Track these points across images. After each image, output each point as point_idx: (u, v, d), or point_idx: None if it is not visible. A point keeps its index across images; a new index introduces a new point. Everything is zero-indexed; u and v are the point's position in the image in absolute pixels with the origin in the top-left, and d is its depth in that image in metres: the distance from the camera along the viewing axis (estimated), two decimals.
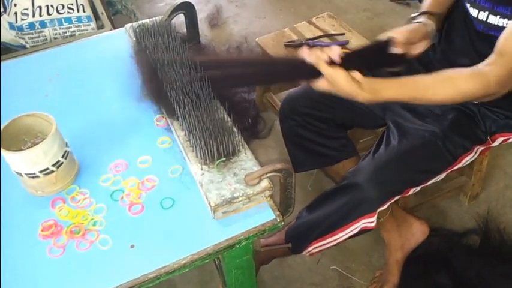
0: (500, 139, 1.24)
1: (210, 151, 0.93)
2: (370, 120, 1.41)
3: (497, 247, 1.54)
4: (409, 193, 1.21)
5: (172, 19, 1.30)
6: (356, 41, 1.83)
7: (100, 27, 1.88)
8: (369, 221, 1.16)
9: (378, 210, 1.16)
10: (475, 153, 1.25)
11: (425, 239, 1.46)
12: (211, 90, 1.04)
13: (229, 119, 1.01)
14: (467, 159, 1.23)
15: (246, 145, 0.97)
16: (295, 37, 1.88)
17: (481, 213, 1.66)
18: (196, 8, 1.33)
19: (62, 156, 0.95)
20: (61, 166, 0.95)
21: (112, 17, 2.41)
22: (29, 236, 0.90)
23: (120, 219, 0.92)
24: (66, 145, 0.97)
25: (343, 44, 1.82)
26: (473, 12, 1.12)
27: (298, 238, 1.29)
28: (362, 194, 1.13)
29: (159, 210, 0.93)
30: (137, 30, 1.23)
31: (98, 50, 1.34)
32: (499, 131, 1.22)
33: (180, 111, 1.00)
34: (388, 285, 1.46)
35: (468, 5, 1.14)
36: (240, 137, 0.97)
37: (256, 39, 1.92)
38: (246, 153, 0.96)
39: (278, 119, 1.49)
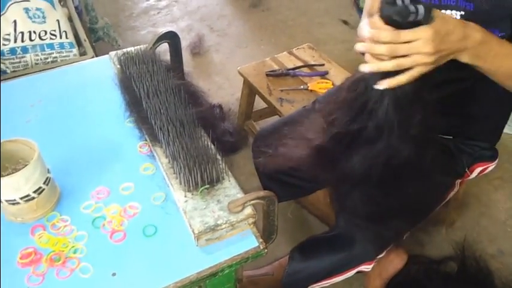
0: (478, 169, 1.27)
1: (194, 178, 0.93)
2: None
3: (474, 274, 1.56)
4: (405, 237, 1.23)
5: (156, 48, 1.31)
6: (335, 72, 1.88)
7: (82, 53, 1.88)
8: (366, 267, 1.18)
9: (376, 259, 1.17)
10: (457, 187, 1.28)
11: (404, 266, 1.48)
12: (194, 118, 1.06)
13: (213, 146, 1.02)
14: (451, 195, 1.26)
15: (229, 172, 0.98)
16: (276, 67, 1.93)
17: (457, 240, 1.69)
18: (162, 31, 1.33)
19: (44, 183, 0.94)
20: (42, 192, 0.94)
21: (94, 44, 2.43)
22: (7, 264, 0.88)
23: (101, 247, 0.91)
24: (48, 171, 0.96)
25: (322, 75, 1.87)
26: None
27: (295, 286, 1.29)
28: (361, 249, 1.15)
29: (141, 238, 0.93)
30: (122, 58, 1.24)
31: (81, 76, 1.34)
32: (475, 161, 1.26)
33: (164, 138, 1.01)
34: None
35: None
36: (223, 165, 0.98)
37: (238, 68, 1.96)
38: (229, 181, 0.97)
39: None
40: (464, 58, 0.88)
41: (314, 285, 1.28)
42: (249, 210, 0.91)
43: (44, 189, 0.94)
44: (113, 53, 1.33)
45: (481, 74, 0.95)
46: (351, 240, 1.16)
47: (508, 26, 1.00)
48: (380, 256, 1.20)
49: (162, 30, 1.30)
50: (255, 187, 1.88)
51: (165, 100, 1.09)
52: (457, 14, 1.04)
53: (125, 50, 1.29)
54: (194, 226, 0.88)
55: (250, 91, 1.97)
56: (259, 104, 2.07)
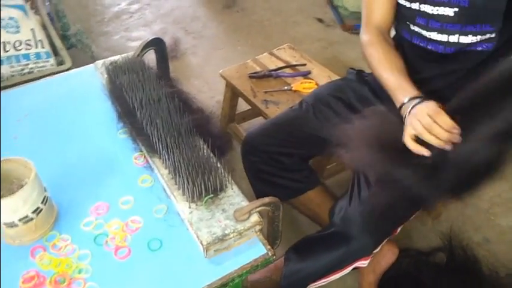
0: None
1: (198, 188, 0.92)
2: (331, 150, 1.44)
3: (462, 263, 1.60)
4: (398, 231, 1.25)
5: (143, 55, 1.29)
6: (317, 71, 1.89)
7: (60, 63, 1.83)
8: (363, 263, 1.19)
9: (372, 253, 1.19)
10: None
11: (395, 260, 1.51)
12: (191, 126, 1.05)
13: (212, 154, 1.02)
14: None
15: (232, 180, 0.98)
16: (258, 68, 1.92)
17: (444, 231, 1.72)
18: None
19: (42, 202, 0.91)
20: (41, 212, 0.91)
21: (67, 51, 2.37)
22: None
23: (106, 265, 0.89)
24: (45, 190, 0.94)
25: (305, 74, 1.88)
26: (441, 37, 1.13)
27: (292, 286, 1.29)
28: (358, 244, 1.16)
29: (146, 253, 0.91)
30: (109, 67, 1.22)
31: (66, 87, 1.31)
32: None
33: (162, 149, 0.99)
34: None
35: (427, 34, 1.16)
36: (225, 173, 0.97)
37: (220, 72, 1.94)
38: (233, 189, 0.97)
39: None
40: None
41: (312, 284, 1.28)
42: (255, 218, 0.91)
43: (42, 209, 0.92)
44: (99, 63, 1.30)
45: None
46: (347, 236, 1.17)
47: (500, 20, 1.02)
48: (376, 250, 1.21)
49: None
50: (244, 191, 1.88)
51: (160, 109, 1.08)
52: (450, 11, 1.06)
53: (111, 58, 1.27)
54: (202, 237, 0.88)
55: (233, 94, 1.96)
56: (241, 106, 2.06)
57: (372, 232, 1.17)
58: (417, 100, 1.04)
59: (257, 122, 2.09)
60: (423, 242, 1.71)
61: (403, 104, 1.06)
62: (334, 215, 1.24)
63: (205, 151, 1.01)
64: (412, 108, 1.02)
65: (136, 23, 3.00)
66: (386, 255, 1.49)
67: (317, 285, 1.29)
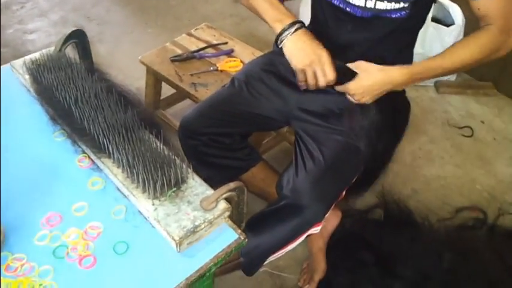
0: None
1: (159, 183, 0.89)
2: (270, 125, 1.46)
3: (397, 216, 1.73)
4: (343, 194, 1.30)
5: (65, 49, 1.20)
6: (240, 49, 1.88)
7: None
8: (316, 229, 1.23)
9: (324, 218, 1.23)
10: None
11: (339, 222, 1.58)
12: (136, 120, 1.00)
13: (164, 147, 0.98)
14: None
15: (191, 170, 0.95)
16: (179, 51, 1.87)
17: (377, 189, 1.84)
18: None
19: None
20: None
21: None
22: None
23: (72, 277, 0.83)
24: None
25: (228, 53, 1.86)
26: (359, 2, 1.17)
27: (254, 263, 1.31)
28: (310, 213, 1.18)
29: (114, 258, 0.87)
30: (31, 66, 1.11)
31: None
32: None
33: (113, 147, 0.94)
34: (317, 273, 1.54)
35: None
36: (183, 164, 0.95)
37: (139, 58, 1.86)
38: (194, 179, 0.94)
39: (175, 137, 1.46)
40: (399, 88, 1.22)
41: (269, 258, 1.31)
42: (223, 205, 0.90)
43: None
44: (16, 62, 1.18)
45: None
46: (299, 206, 1.20)
47: None
48: (327, 215, 1.26)
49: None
50: None
51: (98, 105, 1.01)
52: None
53: (31, 56, 1.16)
54: (173, 233, 0.85)
55: (156, 80, 1.89)
56: (164, 91, 2.00)
57: (322, 198, 1.21)
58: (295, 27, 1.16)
59: (184, 106, 2.05)
60: (361, 202, 1.81)
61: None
62: (282, 188, 1.26)
63: (158, 144, 0.97)
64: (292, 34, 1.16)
65: (30, 14, 2.75)
66: (331, 219, 1.55)
67: (274, 258, 1.32)
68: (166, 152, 0.96)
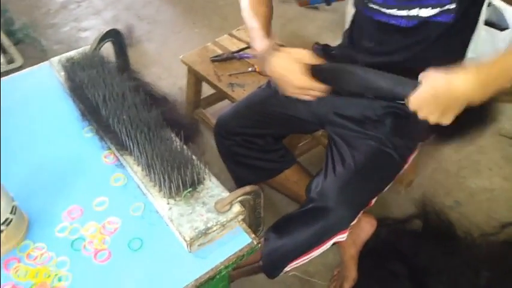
0: None
1: (175, 183, 0.90)
2: (304, 128, 1.44)
3: (437, 228, 1.65)
4: (373, 202, 1.25)
5: (100, 48, 1.23)
6: None
7: (10, 61, 1.73)
8: (342, 237, 1.19)
9: (350, 226, 1.19)
10: (418, 149, 1.32)
11: (374, 231, 1.53)
12: (160, 119, 1.01)
13: (185, 146, 0.99)
14: (412, 158, 1.30)
15: (209, 172, 0.95)
16: (219, 51, 1.88)
17: (417, 198, 1.76)
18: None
19: (11, 212, 0.86)
20: (11, 223, 0.86)
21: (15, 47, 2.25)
22: None
23: (87, 270, 0.86)
24: (13, 199, 0.88)
25: None
26: (401, 12, 1.13)
27: (275, 265, 1.29)
28: (335, 217, 1.16)
29: (128, 253, 0.88)
30: (66, 64, 1.15)
31: (22, 88, 1.23)
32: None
33: (133, 145, 0.95)
34: (347, 281, 1.50)
35: (387, 11, 1.15)
36: (202, 164, 0.95)
37: (181, 57, 1.89)
38: (211, 180, 0.94)
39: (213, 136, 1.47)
40: (474, 100, 0.93)
41: (292, 263, 1.28)
42: (237, 208, 0.89)
43: (11, 220, 0.87)
44: (54, 60, 1.23)
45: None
46: (324, 210, 1.17)
47: None
48: (353, 223, 1.22)
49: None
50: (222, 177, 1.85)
51: (125, 104, 1.03)
52: None
53: (67, 55, 1.20)
54: (185, 233, 0.85)
55: (196, 79, 1.92)
56: (205, 90, 2.02)
57: (348, 204, 1.17)
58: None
59: (224, 105, 2.06)
60: (398, 210, 1.75)
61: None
62: (311, 191, 1.24)
63: (178, 144, 0.97)
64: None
65: (85, 12, 2.87)
66: (365, 227, 1.51)
67: (298, 263, 1.29)
68: (186, 152, 0.96)
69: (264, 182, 1.54)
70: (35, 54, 2.43)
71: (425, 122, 1.01)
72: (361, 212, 1.22)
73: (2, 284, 0.84)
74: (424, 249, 1.54)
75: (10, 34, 2.33)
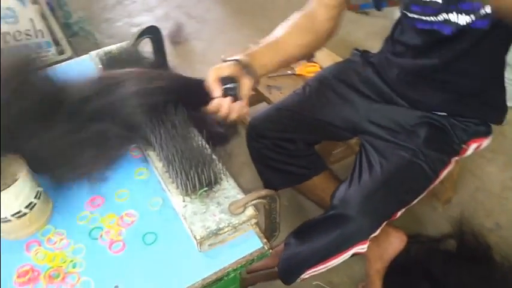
0: (473, 146, 1.26)
1: (192, 181, 0.90)
2: (336, 135, 1.41)
3: (473, 250, 1.57)
4: (398, 215, 1.21)
5: (138, 44, 1.26)
6: (322, 54, 1.84)
7: (60, 52, 1.82)
8: (361, 248, 1.16)
9: (370, 237, 1.16)
10: (452, 164, 1.26)
11: (404, 247, 1.48)
12: (187, 118, 1.02)
13: (207, 146, 0.99)
14: (445, 172, 1.25)
15: (227, 173, 0.95)
16: None
17: (454, 216, 1.69)
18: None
19: (35, 197, 0.90)
20: (34, 207, 0.90)
21: (69, 39, 2.35)
22: (3, 283, 0.84)
23: (101, 259, 0.88)
24: (38, 185, 0.92)
25: (309, 58, 1.83)
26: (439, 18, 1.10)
27: (291, 271, 1.27)
28: (355, 226, 1.13)
29: (141, 247, 0.90)
30: (104, 57, 1.19)
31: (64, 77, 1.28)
32: (470, 138, 1.24)
33: (156, 142, 0.97)
34: None
35: (427, 18, 1.13)
36: (221, 165, 0.95)
37: (222, 57, 1.90)
38: (228, 181, 0.94)
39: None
40: None
41: (310, 270, 1.25)
42: (250, 211, 0.88)
43: (35, 204, 0.90)
44: (93, 53, 1.27)
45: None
46: (344, 218, 1.15)
47: None
48: (374, 235, 1.18)
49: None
50: (248, 178, 1.86)
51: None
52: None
53: (106, 48, 1.24)
54: (196, 232, 0.85)
55: None
56: None
57: (370, 214, 1.14)
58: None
59: (264, 107, 2.06)
60: (433, 228, 1.68)
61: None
62: (334, 198, 1.21)
63: (200, 142, 0.98)
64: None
65: (139, 9, 2.96)
66: (394, 242, 1.46)
67: (316, 272, 1.26)
68: (207, 152, 0.97)
69: (293, 187, 1.53)
70: (89, 46, 2.54)
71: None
72: (384, 223, 1.19)
73: (21, 265, 0.87)
74: (456, 271, 1.47)
75: (66, 27, 2.43)
